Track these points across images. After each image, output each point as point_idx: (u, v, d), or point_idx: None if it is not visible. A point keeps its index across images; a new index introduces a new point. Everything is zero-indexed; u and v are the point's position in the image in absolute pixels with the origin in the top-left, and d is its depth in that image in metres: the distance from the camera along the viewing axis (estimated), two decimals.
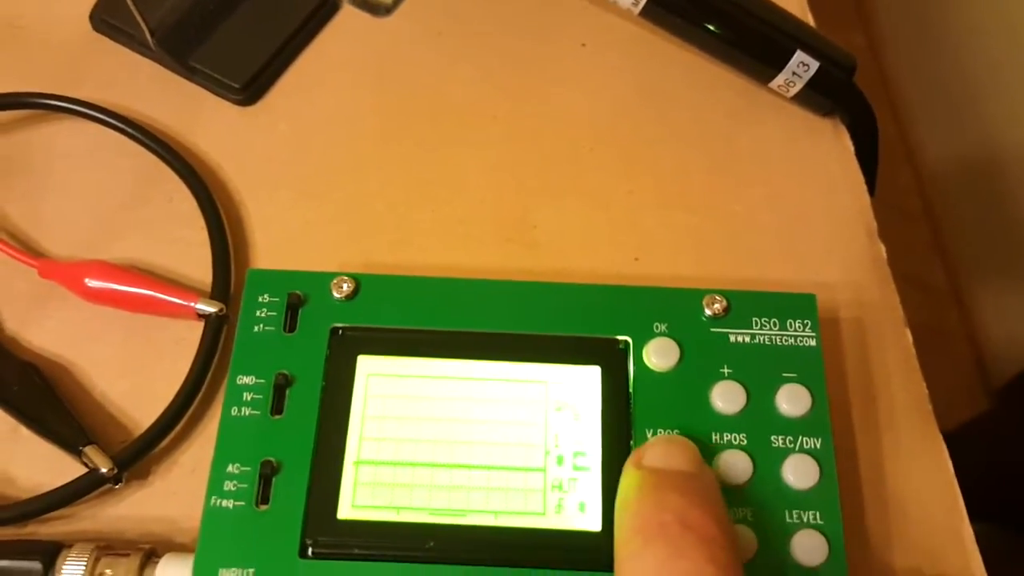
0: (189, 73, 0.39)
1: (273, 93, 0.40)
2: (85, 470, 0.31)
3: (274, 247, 0.36)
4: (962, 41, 0.66)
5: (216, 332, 0.33)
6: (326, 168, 0.38)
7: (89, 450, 0.30)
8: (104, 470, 0.30)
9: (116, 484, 0.31)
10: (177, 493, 0.31)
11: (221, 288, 0.34)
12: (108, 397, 0.33)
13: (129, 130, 0.37)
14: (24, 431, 0.32)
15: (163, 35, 0.39)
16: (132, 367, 0.34)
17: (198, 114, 0.39)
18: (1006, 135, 0.62)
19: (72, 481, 0.30)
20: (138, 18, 0.38)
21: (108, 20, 0.41)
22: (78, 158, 0.38)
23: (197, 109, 0.39)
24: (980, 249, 0.72)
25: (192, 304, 0.33)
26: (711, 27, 0.38)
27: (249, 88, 0.39)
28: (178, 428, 0.32)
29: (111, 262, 0.35)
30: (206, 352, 0.33)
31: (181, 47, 0.39)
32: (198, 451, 0.32)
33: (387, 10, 0.42)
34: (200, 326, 0.33)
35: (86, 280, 0.34)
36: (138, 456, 0.31)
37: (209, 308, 0.33)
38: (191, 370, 0.32)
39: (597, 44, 0.41)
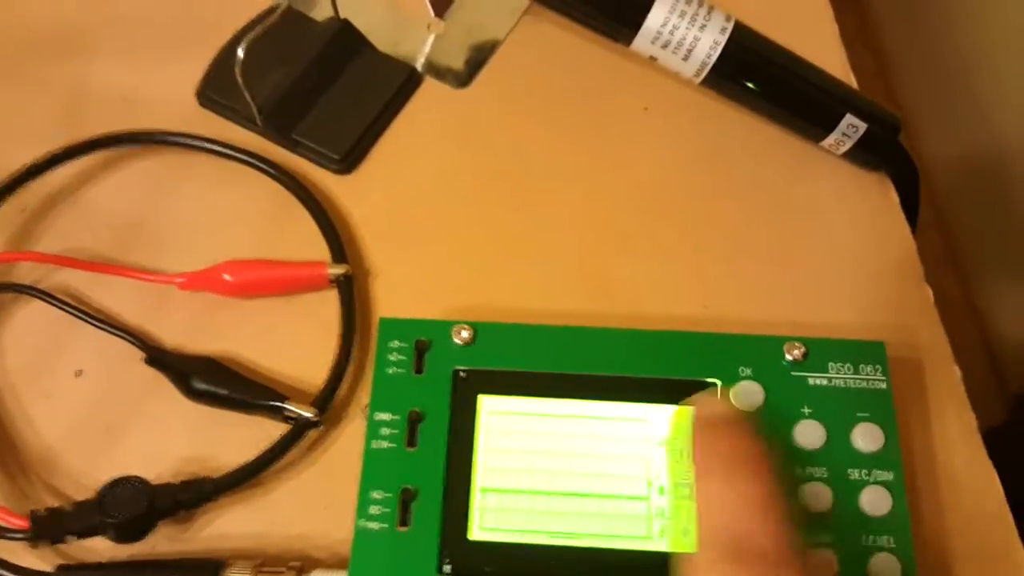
0: (292, 145, 0.43)
1: (367, 162, 0.44)
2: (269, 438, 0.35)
3: (376, 296, 0.40)
4: (969, 52, 0.68)
5: (350, 291, 0.39)
6: (419, 228, 0.42)
7: (290, 403, 0.35)
8: (309, 415, 0.35)
9: (319, 426, 0.36)
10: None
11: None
12: (274, 371, 0.38)
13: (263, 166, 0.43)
14: (209, 423, 0.37)
15: (268, 111, 0.43)
16: (283, 343, 0.39)
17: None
18: (1016, 142, 0.64)
19: (282, 436, 0.35)
20: (247, 97, 0.42)
21: (213, 96, 0.45)
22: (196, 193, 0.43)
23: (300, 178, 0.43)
24: (992, 256, 0.73)
25: (323, 272, 0.39)
26: (767, 94, 0.42)
27: (348, 158, 0.43)
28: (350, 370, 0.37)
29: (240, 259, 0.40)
30: (349, 309, 0.38)
31: (284, 122, 0.43)
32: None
33: (463, 80, 0.46)
34: (332, 296, 0.39)
35: (224, 275, 0.39)
36: (328, 400, 0.36)
37: (338, 271, 0.39)
38: (343, 325, 0.38)
39: (659, 108, 0.45)
